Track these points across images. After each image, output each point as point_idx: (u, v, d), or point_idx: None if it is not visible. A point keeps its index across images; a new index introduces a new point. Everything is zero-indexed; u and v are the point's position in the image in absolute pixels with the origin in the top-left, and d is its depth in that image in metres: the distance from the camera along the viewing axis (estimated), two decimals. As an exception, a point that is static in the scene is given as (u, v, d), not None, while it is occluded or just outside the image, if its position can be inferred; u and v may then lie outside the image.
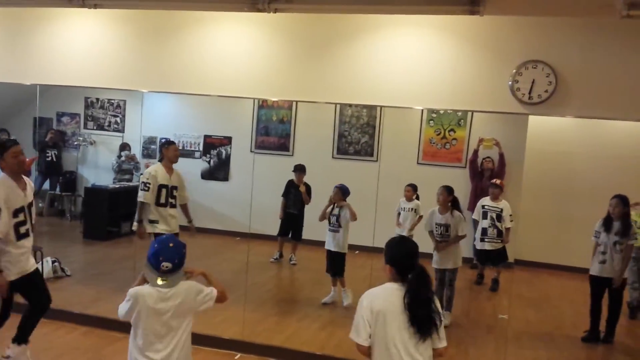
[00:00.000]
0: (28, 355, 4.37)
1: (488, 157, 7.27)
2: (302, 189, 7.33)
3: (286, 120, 8.79)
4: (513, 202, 6.83)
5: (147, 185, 5.69)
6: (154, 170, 5.76)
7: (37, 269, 4.44)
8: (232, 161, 9.03)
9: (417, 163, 7.95)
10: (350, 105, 8.21)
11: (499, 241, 6.47)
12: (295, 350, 4.87)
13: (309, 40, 4.98)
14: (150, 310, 2.89)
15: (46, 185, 8.91)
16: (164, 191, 5.75)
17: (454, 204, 5.72)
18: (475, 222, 6.53)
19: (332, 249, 6.07)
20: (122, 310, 2.95)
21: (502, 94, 4.46)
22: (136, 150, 9.06)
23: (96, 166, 9.23)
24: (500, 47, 4.49)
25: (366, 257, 7.22)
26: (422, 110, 7.49)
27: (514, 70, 4.41)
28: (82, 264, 7.33)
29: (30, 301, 4.37)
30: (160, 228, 5.65)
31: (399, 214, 6.79)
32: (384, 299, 2.58)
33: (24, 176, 4.32)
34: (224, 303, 5.21)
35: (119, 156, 8.92)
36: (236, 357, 4.85)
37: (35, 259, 5.90)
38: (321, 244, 6.24)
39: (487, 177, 6.98)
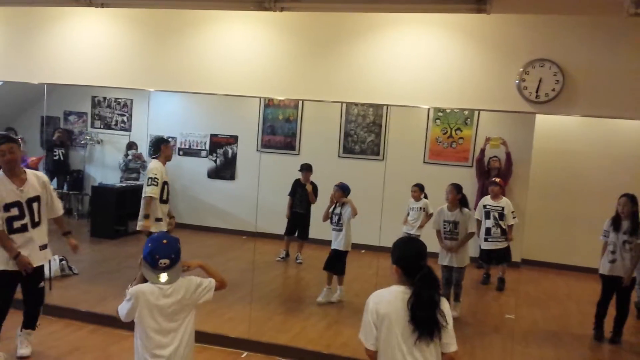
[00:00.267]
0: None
1: (495, 157, 7.25)
2: (309, 188, 7.33)
3: (292, 119, 8.79)
4: (520, 201, 6.82)
5: (156, 180, 5.66)
6: (159, 166, 5.75)
7: (39, 268, 4.45)
8: (239, 160, 9.05)
9: (424, 162, 7.95)
10: (356, 104, 8.21)
11: (503, 239, 6.47)
12: (301, 349, 4.87)
13: (315, 39, 4.98)
14: (152, 307, 2.92)
15: (54, 183, 8.95)
16: (165, 188, 5.78)
17: (462, 202, 5.73)
18: (479, 222, 6.52)
19: (337, 247, 6.07)
20: (122, 310, 2.96)
21: (509, 92, 4.45)
22: (143, 149, 9.09)
23: (103, 165, 9.28)
24: (507, 45, 4.47)
25: (372, 256, 7.22)
26: (429, 109, 7.49)
27: (521, 69, 4.39)
28: (90, 262, 7.35)
29: (23, 294, 4.51)
30: (162, 227, 5.67)
31: (408, 213, 6.79)
32: (388, 302, 2.53)
33: (34, 173, 4.41)
34: (231, 301, 5.25)
35: (126, 155, 8.95)
36: (243, 356, 4.85)
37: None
38: (327, 242, 6.23)
39: (494, 176, 6.96)
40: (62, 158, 8.97)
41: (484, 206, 6.54)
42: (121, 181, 8.83)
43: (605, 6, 4.17)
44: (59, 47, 5.65)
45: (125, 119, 9.23)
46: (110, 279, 6.43)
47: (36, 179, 4.38)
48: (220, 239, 8.65)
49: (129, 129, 9.19)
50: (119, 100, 9.18)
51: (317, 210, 7.01)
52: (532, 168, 7.12)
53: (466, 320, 5.92)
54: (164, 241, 2.98)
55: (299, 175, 7.50)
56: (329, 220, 6.16)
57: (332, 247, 6.12)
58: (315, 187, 7.40)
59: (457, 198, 5.69)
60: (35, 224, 4.35)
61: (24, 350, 4.50)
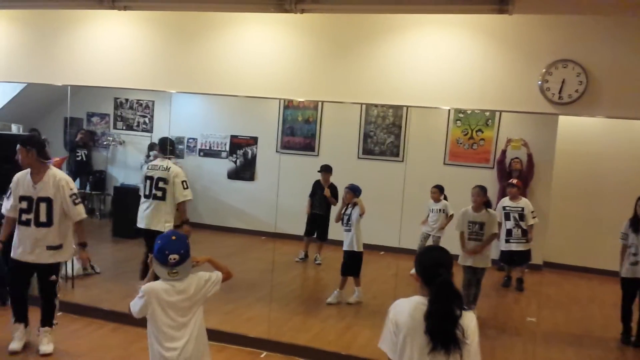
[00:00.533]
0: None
1: (517, 158, 7.18)
2: (327, 193, 7.31)
3: (312, 121, 8.80)
4: (542, 204, 6.74)
5: (187, 183, 5.83)
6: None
7: (45, 266, 4.56)
8: (258, 161, 9.09)
9: (444, 164, 7.89)
10: (376, 106, 8.19)
11: (524, 240, 6.40)
12: (320, 350, 4.87)
13: (335, 41, 4.98)
14: (165, 303, 3.00)
15: (76, 184, 9.07)
16: None
17: (486, 204, 5.73)
18: (499, 224, 6.47)
19: (347, 248, 6.07)
20: (135, 307, 3.04)
21: (531, 93, 4.40)
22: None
23: (125, 166, 9.38)
24: (529, 46, 4.43)
25: (391, 258, 7.20)
26: (449, 110, 7.44)
27: (544, 70, 4.34)
28: (112, 261, 7.44)
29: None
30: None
31: (428, 214, 6.77)
32: (408, 314, 2.42)
33: (55, 174, 4.52)
34: (250, 301, 5.29)
35: (148, 156, 9.03)
36: (262, 356, 4.87)
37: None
38: (346, 244, 6.23)
39: (515, 177, 6.89)
40: (84, 159, 9.08)
41: (503, 207, 6.47)
42: (143, 181, 8.90)
43: (629, 6, 4.11)
44: (82, 49, 5.73)
45: (147, 120, 9.32)
46: (131, 278, 6.49)
47: (52, 181, 4.49)
48: (240, 239, 8.70)
49: (150, 130, 9.28)
50: (141, 101, 9.28)
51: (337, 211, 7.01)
52: (554, 170, 7.03)
53: (487, 322, 5.87)
54: (173, 237, 3.08)
55: (319, 176, 7.51)
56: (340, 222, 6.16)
57: (344, 248, 6.11)
58: (335, 189, 7.39)
59: (484, 200, 5.68)
60: (40, 224, 4.48)
61: (45, 348, 4.58)
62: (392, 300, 2.53)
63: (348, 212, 6.06)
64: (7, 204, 4.57)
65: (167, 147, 5.95)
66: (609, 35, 4.28)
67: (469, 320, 2.43)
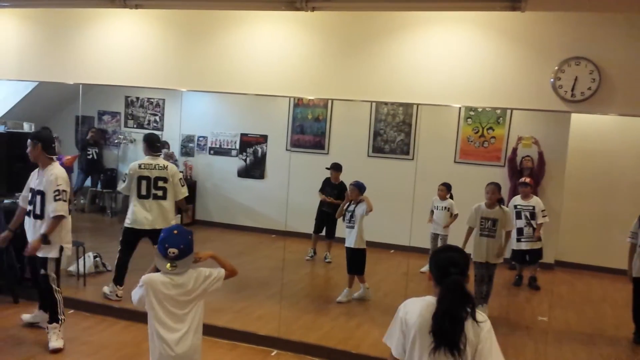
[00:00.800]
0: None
1: (528, 156, 7.14)
2: (329, 199, 7.29)
3: (321, 119, 8.79)
4: (554, 202, 6.71)
5: (183, 180, 5.94)
6: None
7: (37, 259, 4.68)
8: (268, 159, 9.10)
9: (454, 162, 7.87)
10: (386, 104, 8.17)
11: (537, 239, 6.40)
12: (331, 348, 4.87)
13: (345, 39, 4.97)
14: (162, 296, 3.03)
15: (88, 182, 9.13)
16: None
17: (500, 201, 5.74)
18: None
19: (351, 245, 6.06)
20: (135, 296, 3.11)
21: (544, 91, 4.37)
22: (175, 148, 9.22)
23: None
24: (542, 43, 4.39)
25: (402, 256, 7.19)
26: (460, 108, 7.41)
27: (556, 67, 4.31)
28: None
29: None
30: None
31: (432, 211, 6.76)
32: (419, 314, 2.39)
33: (53, 170, 4.65)
34: (261, 300, 5.30)
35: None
36: (272, 354, 4.88)
37: (77, 254, 6.11)
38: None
39: (526, 176, 6.87)
40: (95, 157, 9.14)
41: (515, 206, 6.46)
42: (153, 180, 8.94)
43: (644, 3, 4.07)
44: (93, 48, 5.76)
45: (157, 118, 9.36)
46: (142, 275, 6.52)
47: (47, 176, 4.60)
48: (250, 237, 8.71)
49: (161, 129, 9.31)
50: (152, 100, 9.31)
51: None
52: (566, 168, 6.99)
53: (498, 321, 5.84)
54: (175, 231, 3.10)
55: (325, 175, 7.50)
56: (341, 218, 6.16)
57: (347, 245, 6.10)
58: (344, 187, 7.38)
59: (498, 197, 5.68)
60: (35, 216, 4.65)
61: (54, 344, 4.63)
62: (402, 299, 2.51)
63: (351, 208, 6.04)
64: (22, 194, 4.87)
65: (156, 145, 5.81)
66: (622, 32, 4.24)
67: (489, 324, 2.38)
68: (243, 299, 5.91)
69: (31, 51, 6.05)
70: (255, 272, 7.05)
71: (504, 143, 7.61)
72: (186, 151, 9.46)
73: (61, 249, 4.71)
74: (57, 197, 4.55)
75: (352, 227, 6.03)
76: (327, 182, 7.49)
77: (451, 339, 2.29)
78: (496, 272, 5.84)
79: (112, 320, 5.35)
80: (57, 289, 4.74)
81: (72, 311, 5.50)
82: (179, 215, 8.59)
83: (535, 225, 6.37)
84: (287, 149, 8.87)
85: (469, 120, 7.81)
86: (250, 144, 9.19)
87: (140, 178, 5.62)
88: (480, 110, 7.63)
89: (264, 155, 9.13)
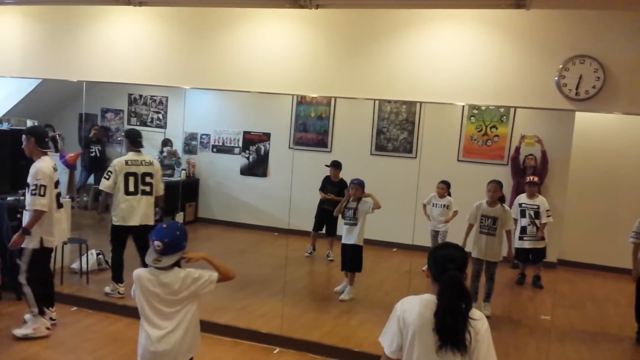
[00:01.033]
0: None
1: (531, 155, 7.13)
2: (330, 196, 7.29)
3: (324, 117, 8.79)
4: (557, 201, 6.69)
5: None
6: None
7: (20, 249, 4.79)
8: (271, 157, 9.10)
9: (457, 160, 7.86)
10: (389, 102, 8.16)
11: (540, 238, 6.39)
12: (333, 346, 4.87)
13: (349, 36, 4.96)
14: (147, 292, 2.99)
15: (91, 179, 9.13)
16: None
17: (501, 199, 5.74)
18: (515, 221, 6.44)
19: (350, 242, 6.06)
20: (133, 292, 3.09)
21: (548, 89, 4.36)
22: (178, 146, 9.22)
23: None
24: (546, 41, 4.38)
25: (404, 255, 7.19)
26: (464, 106, 7.40)
27: (561, 66, 4.30)
28: (126, 256, 7.49)
29: None
30: None
31: (425, 206, 6.75)
32: (418, 313, 2.37)
33: (35, 164, 4.73)
34: (263, 297, 5.29)
35: (161, 152, 9.08)
36: (275, 352, 4.88)
37: (80, 252, 6.13)
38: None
39: (530, 174, 6.86)
40: (98, 154, 9.14)
41: (520, 204, 6.45)
42: (156, 177, 8.94)
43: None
44: (97, 45, 5.76)
45: (160, 116, 9.36)
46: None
47: (32, 169, 4.68)
48: (252, 235, 8.72)
49: (164, 126, 9.32)
50: (155, 97, 9.31)
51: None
52: (570, 167, 6.97)
53: (501, 320, 5.84)
54: (164, 225, 3.07)
55: (327, 173, 7.50)
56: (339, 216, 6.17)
57: (347, 242, 6.08)
58: (345, 185, 7.38)
59: (500, 195, 5.69)
60: (24, 207, 4.80)
61: (18, 330, 4.76)
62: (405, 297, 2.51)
63: (352, 205, 6.03)
64: None
65: (137, 140, 5.76)
66: (627, 30, 4.23)
67: (481, 323, 2.36)
68: (246, 297, 5.91)
69: (35, 48, 6.06)
70: (257, 269, 7.05)
71: (508, 141, 7.60)
72: (189, 149, 9.47)
73: (41, 240, 4.72)
74: (34, 192, 4.59)
75: (355, 225, 6.02)
76: (327, 179, 7.49)
77: (455, 336, 2.28)
78: (499, 271, 5.84)
79: (115, 318, 5.35)
80: (23, 282, 4.75)
81: (75, 308, 5.51)
82: (182, 213, 8.64)
83: (539, 225, 6.36)
84: (290, 147, 8.87)
85: (472, 118, 7.79)
86: (253, 141, 9.19)
87: (127, 175, 5.57)
88: (483, 108, 7.61)
89: (266, 153, 9.13)
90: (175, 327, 3.00)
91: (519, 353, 5.02)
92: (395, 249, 7.43)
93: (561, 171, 6.97)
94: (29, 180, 4.63)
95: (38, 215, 4.60)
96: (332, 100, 8.54)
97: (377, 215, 6.07)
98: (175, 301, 3.00)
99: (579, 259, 7.51)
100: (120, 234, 5.64)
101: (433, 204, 6.78)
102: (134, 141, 5.72)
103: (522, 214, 6.40)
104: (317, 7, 4.65)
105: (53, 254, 5.87)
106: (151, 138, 9.27)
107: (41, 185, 4.58)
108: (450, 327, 2.28)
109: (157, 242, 2.96)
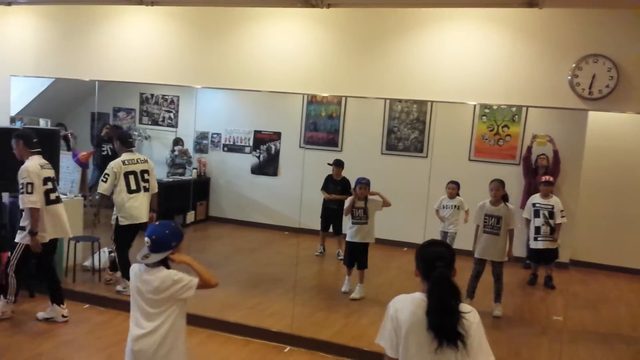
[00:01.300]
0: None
1: (543, 154, 7.07)
2: (333, 197, 7.28)
3: (335, 116, 8.77)
4: (569, 201, 6.63)
5: None
6: None
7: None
8: (282, 156, 9.09)
9: (469, 160, 7.81)
10: (400, 101, 8.13)
11: (552, 239, 6.33)
12: (344, 345, 4.87)
13: (360, 36, 4.95)
14: (134, 286, 3.03)
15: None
16: None
17: (504, 197, 5.72)
18: (527, 221, 6.39)
19: (360, 240, 6.06)
20: None
21: (561, 89, 4.34)
22: (189, 145, 9.24)
23: (151, 160, 9.47)
24: (559, 40, 4.36)
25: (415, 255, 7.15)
26: (475, 105, 7.35)
27: (574, 65, 4.27)
28: (137, 253, 7.57)
29: None
30: None
31: (437, 210, 6.72)
32: (410, 312, 2.39)
33: (26, 163, 4.92)
34: (274, 296, 5.28)
35: (172, 151, 9.12)
36: (285, 350, 4.88)
37: (93, 250, 6.17)
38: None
39: (542, 174, 6.80)
40: (110, 153, 9.16)
41: (533, 204, 6.39)
42: (167, 176, 8.99)
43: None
44: (109, 45, 5.80)
45: (172, 115, 9.39)
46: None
47: (20, 170, 4.84)
48: (263, 234, 8.72)
49: (175, 125, 9.35)
50: (166, 97, 9.34)
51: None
52: (582, 167, 6.91)
53: (513, 320, 5.82)
54: (157, 222, 3.09)
55: (341, 171, 7.49)
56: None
57: (357, 240, 6.09)
58: (348, 183, 7.38)
59: (503, 194, 5.67)
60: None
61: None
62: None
63: (361, 204, 6.03)
64: None
65: (129, 140, 5.88)
66: (641, 29, 4.19)
67: (472, 315, 2.38)
68: (256, 295, 5.93)
69: (48, 48, 6.11)
70: (268, 268, 7.07)
71: (519, 141, 7.53)
72: (200, 148, 9.49)
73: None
74: (21, 191, 4.75)
75: (366, 223, 6.02)
76: (329, 178, 7.49)
77: (450, 333, 2.29)
78: (511, 271, 5.80)
79: (126, 315, 5.28)
80: (11, 274, 4.93)
81: (87, 306, 5.56)
82: (193, 212, 8.67)
83: (553, 225, 6.31)
84: (300, 146, 8.86)
85: (484, 118, 7.74)
86: (264, 141, 9.20)
87: (127, 174, 5.65)
88: (495, 107, 7.56)
89: (277, 152, 9.13)
90: (154, 330, 2.96)
91: (531, 354, 4.99)
92: (405, 249, 7.39)
93: (573, 171, 6.91)
94: (19, 180, 4.78)
95: (35, 213, 4.74)
96: (343, 99, 8.53)
97: (387, 215, 6.07)
98: (157, 301, 2.96)
99: (591, 260, 7.44)
100: (127, 234, 5.69)
101: (443, 205, 6.74)
102: (125, 142, 5.82)
103: (536, 214, 6.34)
104: (329, 6, 4.66)
105: (65, 252, 5.95)
106: (162, 137, 9.32)
107: (27, 183, 4.72)
108: (443, 325, 2.29)
109: (146, 238, 2.99)
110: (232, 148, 9.39)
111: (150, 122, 9.45)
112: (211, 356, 4.68)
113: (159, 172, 9.02)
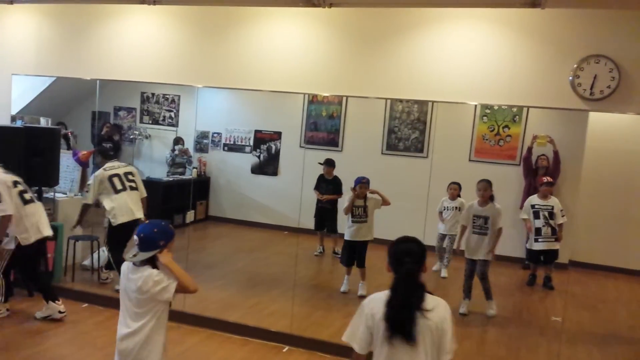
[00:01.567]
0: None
1: (543, 155, 7.07)
2: (325, 197, 7.30)
3: (336, 116, 8.77)
4: (569, 201, 6.63)
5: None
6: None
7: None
8: (282, 156, 9.09)
9: (469, 160, 7.81)
10: (400, 101, 8.13)
11: (554, 239, 6.33)
12: (342, 345, 4.83)
13: (361, 35, 4.95)
14: (122, 285, 3.03)
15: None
16: None
17: (491, 197, 5.75)
18: (527, 221, 6.39)
19: (361, 239, 6.06)
20: None
21: (562, 89, 4.33)
22: (189, 144, 9.24)
23: (151, 159, 9.45)
24: (561, 41, 4.35)
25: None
26: (476, 105, 7.35)
27: (575, 65, 4.27)
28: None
29: None
30: None
31: (440, 212, 6.72)
32: (382, 307, 2.45)
33: None
34: (273, 296, 5.27)
35: (173, 150, 9.12)
36: (284, 350, 4.88)
37: (92, 249, 6.17)
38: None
39: (542, 175, 6.80)
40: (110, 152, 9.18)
41: (532, 206, 6.38)
42: (168, 176, 8.99)
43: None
44: (111, 44, 5.80)
45: (172, 114, 9.39)
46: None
47: None
48: (263, 234, 8.72)
49: (176, 125, 9.34)
50: (167, 96, 9.34)
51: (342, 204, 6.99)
52: (583, 167, 6.91)
53: (511, 321, 5.82)
54: (147, 221, 3.10)
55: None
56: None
57: (358, 239, 6.09)
58: (339, 182, 7.38)
59: (490, 194, 5.68)
60: None
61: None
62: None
63: (360, 203, 6.04)
64: None
65: (109, 153, 6.14)
66: (643, 30, 4.19)
67: (444, 309, 2.42)
68: (255, 295, 5.92)
69: (49, 47, 6.10)
70: (267, 268, 7.07)
71: (520, 142, 7.53)
72: (200, 147, 9.48)
73: (17, 240, 4.89)
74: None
75: (365, 222, 6.04)
76: (321, 178, 7.51)
77: (403, 327, 2.35)
78: (510, 271, 5.80)
79: (126, 314, 5.37)
80: (0, 276, 4.99)
81: (85, 305, 5.55)
82: (193, 211, 8.67)
83: (554, 225, 6.30)
84: (301, 146, 8.86)
85: (484, 118, 7.74)
86: (264, 140, 9.19)
87: (110, 177, 5.75)
88: (496, 108, 7.56)
89: (277, 152, 9.13)
90: (137, 330, 2.95)
91: (530, 354, 4.99)
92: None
93: (573, 172, 6.91)
94: None
95: (4, 220, 4.74)
96: (344, 99, 8.53)
97: (387, 215, 6.07)
98: (142, 301, 2.95)
99: (590, 260, 7.44)
100: (120, 234, 5.67)
101: (445, 207, 6.73)
102: (106, 155, 6.07)
103: (536, 215, 6.33)
104: (331, 5, 4.66)
105: (64, 251, 5.96)
106: (163, 136, 9.32)
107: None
108: (397, 318, 2.37)
109: (135, 236, 2.99)
110: (233, 147, 9.39)
111: (150, 121, 9.44)
112: (210, 356, 4.68)
113: (159, 172, 9.05)
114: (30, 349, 4.51)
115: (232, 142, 9.39)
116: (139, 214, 5.78)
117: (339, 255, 7.55)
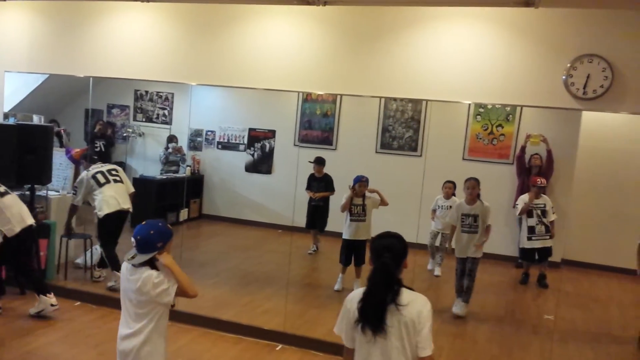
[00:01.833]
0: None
1: (536, 154, 7.10)
2: (318, 195, 7.33)
3: (330, 114, 8.77)
4: (562, 200, 6.66)
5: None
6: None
7: None
8: (276, 154, 9.09)
9: (463, 159, 7.83)
10: (395, 100, 8.14)
11: (547, 237, 6.37)
12: (336, 344, 4.85)
13: (355, 34, 4.95)
14: (122, 286, 3.03)
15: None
16: None
17: (478, 196, 5.75)
18: (520, 220, 6.42)
19: (361, 238, 6.07)
20: None
21: (555, 88, 4.35)
22: (183, 142, 9.22)
23: (144, 157, 9.42)
24: (554, 40, 4.36)
25: (409, 254, 7.15)
26: (469, 104, 7.36)
27: (569, 65, 4.28)
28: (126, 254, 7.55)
29: None
30: None
31: (433, 211, 6.73)
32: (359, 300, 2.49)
33: None
34: (266, 294, 5.27)
35: (166, 148, 9.10)
36: (277, 348, 4.88)
37: (85, 247, 6.15)
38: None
39: (535, 174, 6.83)
40: (103, 149, 9.14)
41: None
42: (161, 174, 8.97)
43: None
44: (104, 41, 5.77)
45: (166, 112, 9.36)
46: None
47: None
48: (257, 232, 8.72)
49: (169, 123, 9.32)
50: (161, 93, 9.32)
51: (335, 202, 7.00)
52: (576, 166, 6.94)
53: (504, 319, 5.83)
54: (144, 222, 3.02)
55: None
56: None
57: (357, 238, 6.09)
58: (330, 180, 7.39)
59: (478, 192, 5.68)
60: None
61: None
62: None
63: (359, 202, 6.04)
64: None
65: (93, 158, 6.33)
66: (636, 30, 4.21)
67: (421, 304, 2.44)
68: (249, 294, 5.92)
69: (42, 44, 6.07)
70: (261, 266, 7.06)
71: (513, 140, 7.56)
72: (194, 145, 9.47)
73: (2, 233, 4.91)
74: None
75: (364, 220, 6.04)
76: (312, 176, 7.51)
77: (373, 319, 2.39)
78: (503, 270, 5.81)
79: (118, 313, 5.32)
80: None
81: (78, 303, 5.53)
82: (186, 209, 8.65)
83: (547, 223, 6.34)
84: (295, 144, 8.85)
85: (478, 117, 7.76)
86: (259, 138, 9.19)
87: (94, 175, 5.83)
88: (490, 107, 7.58)
89: (271, 150, 9.12)
90: (137, 331, 2.95)
91: (522, 353, 5.00)
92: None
93: (566, 171, 6.94)
94: None
95: None
96: (338, 97, 8.53)
97: (381, 214, 6.07)
98: (142, 302, 2.94)
99: (583, 259, 7.47)
100: (109, 226, 5.76)
101: (439, 206, 6.75)
102: (91, 159, 6.21)
103: (529, 213, 6.37)
104: (325, 3, 4.65)
105: (57, 249, 5.93)
106: (156, 134, 9.29)
107: None
108: (368, 310, 2.40)
109: (132, 239, 2.96)
110: (227, 146, 9.38)
111: (144, 119, 9.42)
112: (203, 354, 4.67)
113: (153, 170, 9.03)
114: (22, 347, 4.49)
115: (226, 140, 9.37)
116: (126, 205, 5.84)
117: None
